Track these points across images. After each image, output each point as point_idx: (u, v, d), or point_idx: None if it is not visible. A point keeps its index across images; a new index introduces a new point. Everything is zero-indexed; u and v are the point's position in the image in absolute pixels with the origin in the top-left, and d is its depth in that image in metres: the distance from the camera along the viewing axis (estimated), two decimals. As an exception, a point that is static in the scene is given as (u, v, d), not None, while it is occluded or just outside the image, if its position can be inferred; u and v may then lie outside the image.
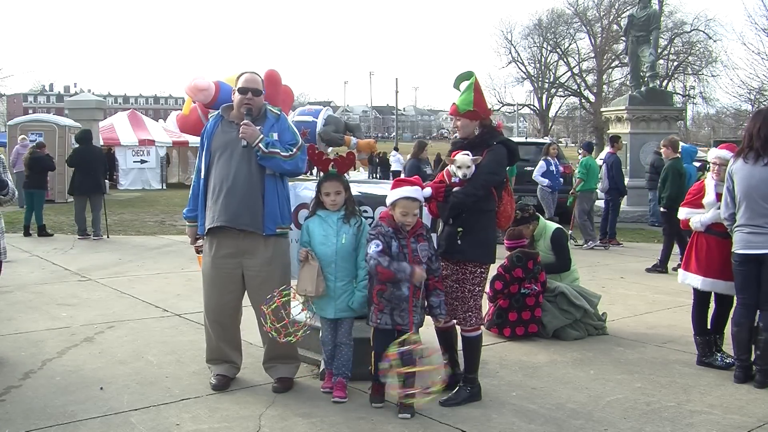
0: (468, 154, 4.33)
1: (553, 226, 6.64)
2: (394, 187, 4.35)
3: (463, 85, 4.49)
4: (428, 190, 4.38)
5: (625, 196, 13.66)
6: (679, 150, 10.15)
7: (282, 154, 4.43)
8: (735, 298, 5.28)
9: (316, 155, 4.77)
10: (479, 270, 4.42)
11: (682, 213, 5.48)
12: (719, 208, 5.10)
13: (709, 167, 5.53)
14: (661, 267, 9.59)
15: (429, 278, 4.28)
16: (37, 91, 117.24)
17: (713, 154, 5.45)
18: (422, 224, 4.39)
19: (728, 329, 5.33)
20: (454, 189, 4.33)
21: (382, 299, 4.16)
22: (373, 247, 4.17)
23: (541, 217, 6.71)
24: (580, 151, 13.23)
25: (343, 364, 4.53)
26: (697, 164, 14.48)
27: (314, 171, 4.90)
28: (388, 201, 4.32)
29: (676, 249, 9.57)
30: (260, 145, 4.36)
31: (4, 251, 5.42)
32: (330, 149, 5.72)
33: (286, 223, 4.59)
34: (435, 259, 4.35)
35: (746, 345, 4.89)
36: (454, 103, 4.48)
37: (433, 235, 4.95)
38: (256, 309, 4.59)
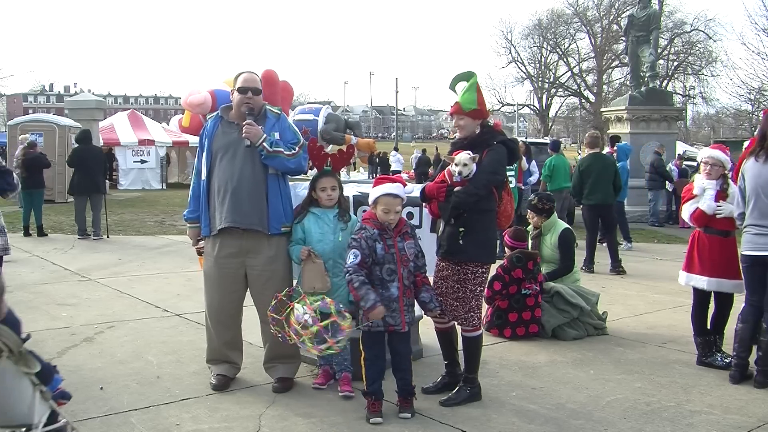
0: (468, 153, 4.33)
1: (563, 225, 6.68)
2: (375, 185, 4.33)
3: (460, 85, 4.49)
4: (410, 187, 4.38)
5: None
6: (599, 147, 10.37)
7: (285, 153, 4.44)
8: (734, 297, 5.29)
9: (317, 149, 4.78)
10: (481, 270, 4.42)
11: (686, 209, 5.35)
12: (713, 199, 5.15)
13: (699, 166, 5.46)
14: (587, 266, 9.46)
15: (416, 275, 4.26)
16: (37, 91, 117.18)
17: (705, 153, 5.39)
18: (406, 222, 4.36)
19: (728, 329, 5.33)
20: (456, 188, 4.33)
21: None
22: (351, 258, 4.08)
23: (555, 213, 6.74)
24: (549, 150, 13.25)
25: (345, 358, 4.54)
26: (693, 163, 14.48)
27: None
28: (370, 199, 4.29)
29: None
30: (264, 144, 4.36)
31: (3, 248, 5.43)
32: (330, 147, 5.73)
33: (289, 221, 4.59)
34: (421, 255, 4.32)
35: (748, 343, 4.87)
36: (456, 102, 4.44)
37: (433, 236, 4.96)
38: (260, 308, 4.60)
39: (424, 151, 32.81)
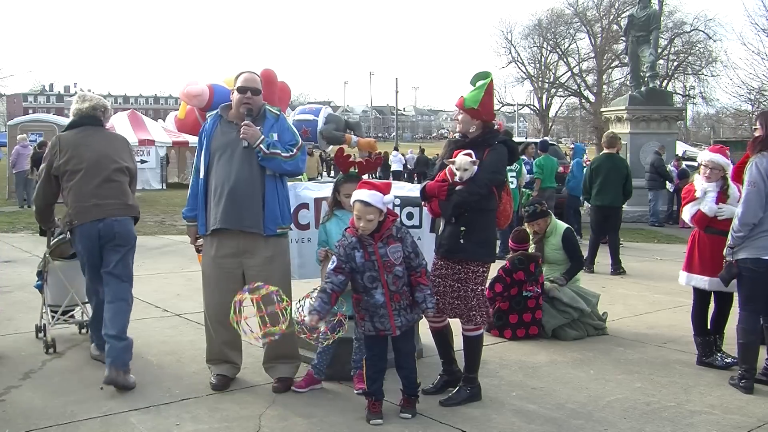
0: (470, 154, 4.32)
1: (564, 225, 6.66)
2: (357, 188, 4.16)
3: (479, 83, 4.50)
4: (390, 197, 4.13)
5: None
6: (616, 147, 10.28)
7: (283, 154, 4.43)
8: (734, 297, 5.25)
9: (343, 157, 4.77)
10: (481, 269, 4.42)
11: (687, 211, 5.31)
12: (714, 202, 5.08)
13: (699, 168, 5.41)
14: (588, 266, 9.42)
15: (411, 274, 4.14)
16: (37, 91, 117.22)
17: (705, 156, 5.32)
18: (391, 225, 4.09)
19: (728, 329, 5.33)
20: (458, 187, 4.32)
21: (360, 309, 4.10)
22: (330, 265, 4.06)
23: (552, 214, 6.73)
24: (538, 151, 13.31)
25: (358, 358, 4.54)
26: (694, 163, 14.48)
27: (324, 173, 4.95)
28: (351, 203, 4.17)
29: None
30: (261, 146, 4.36)
31: None
32: (330, 147, 5.74)
33: (286, 223, 4.59)
34: (415, 255, 4.15)
35: (757, 353, 4.78)
36: (461, 96, 4.44)
37: (433, 235, 4.95)
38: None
39: (422, 150, 32.82)
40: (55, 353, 5.36)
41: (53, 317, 5.54)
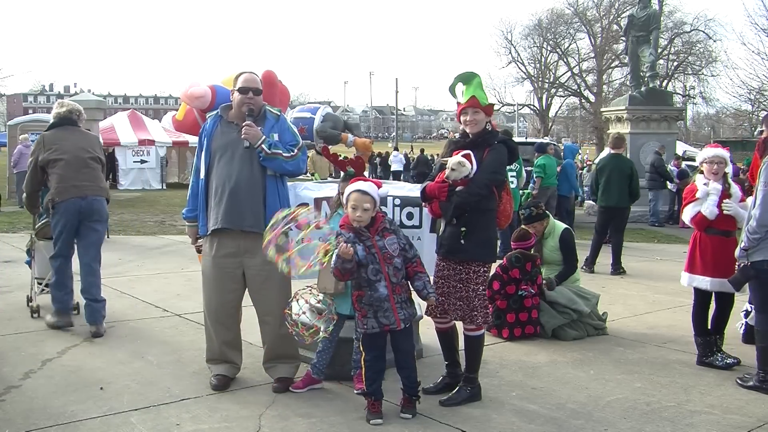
0: (469, 155, 4.31)
1: (562, 225, 6.64)
2: (351, 182, 4.26)
3: (459, 87, 4.48)
4: (384, 190, 4.25)
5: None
6: (622, 148, 10.26)
7: (284, 155, 4.44)
8: (735, 297, 5.25)
9: (332, 156, 4.79)
10: (483, 269, 4.42)
11: (688, 212, 5.30)
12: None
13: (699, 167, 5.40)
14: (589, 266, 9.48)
15: (407, 265, 4.18)
16: (37, 91, 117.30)
17: (710, 153, 5.29)
18: (383, 219, 4.21)
19: (728, 329, 5.32)
20: (458, 188, 4.32)
21: (362, 305, 4.09)
22: (331, 261, 4.08)
23: (550, 216, 6.73)
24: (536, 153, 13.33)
25: (357, 358, 4.55)
26: (694, 163, 14.51)
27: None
28: (344, 199, 4.24)
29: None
30: (263, 146, 4.37)
31: None
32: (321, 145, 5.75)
33: (287, 223, 4.59)
34: (409, 246, 4.22)
35: None
36: (472, 96, 4.39)
37: (433, 236, 4.95)
38: (258, 308, 4.61)
39: (422, 150, 32.82)
40: (39, 317, 6.28)
41: (39, 287, 6.57)
